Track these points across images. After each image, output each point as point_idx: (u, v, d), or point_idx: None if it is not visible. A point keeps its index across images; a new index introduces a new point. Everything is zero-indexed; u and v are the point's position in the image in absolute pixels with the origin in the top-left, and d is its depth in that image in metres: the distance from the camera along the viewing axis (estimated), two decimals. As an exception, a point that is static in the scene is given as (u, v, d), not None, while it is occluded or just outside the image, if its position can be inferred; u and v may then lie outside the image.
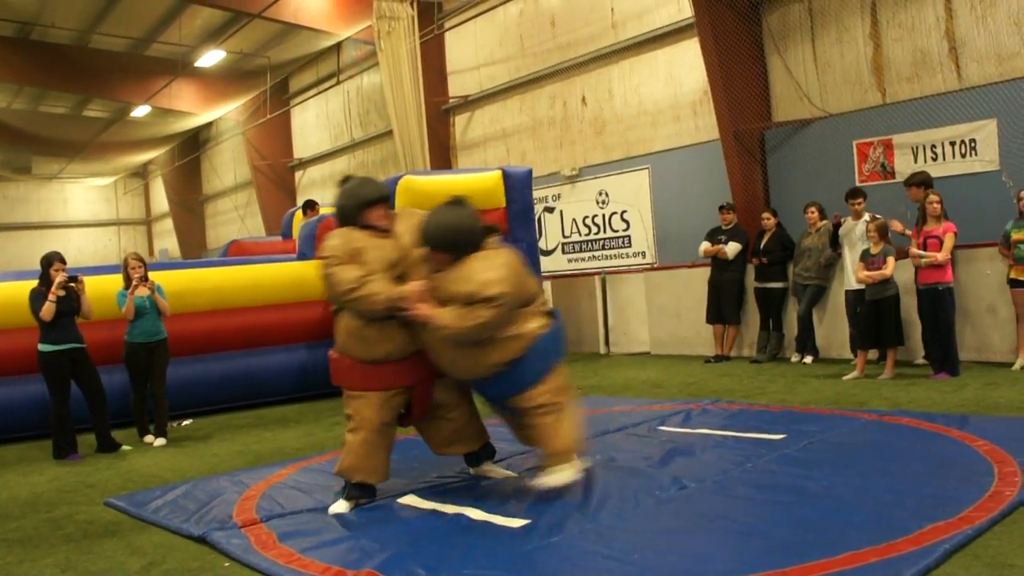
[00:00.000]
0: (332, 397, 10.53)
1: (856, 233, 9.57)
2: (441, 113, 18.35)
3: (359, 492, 5.47)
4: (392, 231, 5.41)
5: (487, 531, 4.70)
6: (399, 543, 4.57)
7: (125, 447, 8.24)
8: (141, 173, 38.67)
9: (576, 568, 4.01)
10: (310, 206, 12.35)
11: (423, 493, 5.60)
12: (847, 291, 9.75)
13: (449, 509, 5.17)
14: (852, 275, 9.47)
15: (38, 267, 8.21)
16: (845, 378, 8.88)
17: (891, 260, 8.76)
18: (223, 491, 6.10)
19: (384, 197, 5.48)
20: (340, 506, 5.40)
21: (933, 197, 8.75)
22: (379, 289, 5.13)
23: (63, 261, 8.17)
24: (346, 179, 5.65)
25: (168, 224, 35.58)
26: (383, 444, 5.51)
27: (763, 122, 12.24)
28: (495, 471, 5.93)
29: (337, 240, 5.34)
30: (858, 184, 10.63)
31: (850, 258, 9.59)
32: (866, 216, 9.43)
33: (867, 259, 8.91)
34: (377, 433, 5.45)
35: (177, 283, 9.13)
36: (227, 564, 4.62)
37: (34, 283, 8.13)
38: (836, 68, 11.49)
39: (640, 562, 4.02)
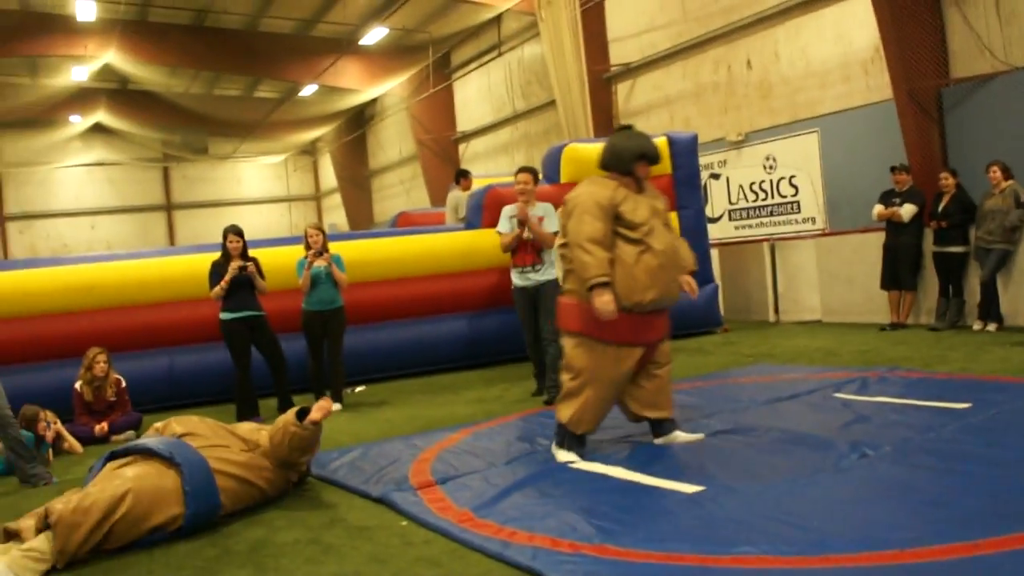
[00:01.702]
0: (501, 364, 10.76)
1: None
2: (603, 81, 18.25)
3: (578, 443, 5.66)
4: (646, 189, 5.73)
5: (660, 496, 4.69)
6: (571, 507, 4.61)
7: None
8: (310, 150, 39.99)
9: (754, 532, 3.95)
10: (463, 175, 12.54)
11: (589, 458, 5.63)
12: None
13: (618, 474, 5.20)
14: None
15: (217, 240, 8.68)
16: None
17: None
18: (398, 454, 6.28)
19: (657, 157, 5.77)
20: (565, 455, 5.60)
21: None
22: (596, 265, 5.35)
23: (236, 233, 8.54)
24: (626, 127, 5.98)
25: (336, 199, 36.71)
26: (611, 399, 5.70)
27: (940, 79, 11.69)
28: (682, 437, 5.83)
29: (603, 190, 5.56)
30: (1048, 143, 10.05)
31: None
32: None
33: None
34: (611, 388, 5.64)
35: (349, 253, 9.40)
36: (404, 523, 4.78)
37: (215, 255, 8.58)
38: (1022, 17, 10.86)
39: (819, 528, 3.95)
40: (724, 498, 4.52)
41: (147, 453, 4.85)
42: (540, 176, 8.54)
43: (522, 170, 8.37)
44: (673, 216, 11.67)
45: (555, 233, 7.66)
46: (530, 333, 8.29)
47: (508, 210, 8.37)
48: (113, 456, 4.99)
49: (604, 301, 5.32)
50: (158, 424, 5.37)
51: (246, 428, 5.59)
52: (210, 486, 4.88)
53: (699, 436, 5.85)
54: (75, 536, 4.30)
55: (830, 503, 4.34)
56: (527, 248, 8.12)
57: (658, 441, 5.85)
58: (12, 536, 4.43)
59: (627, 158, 5.64)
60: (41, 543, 4.29)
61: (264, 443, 5.34)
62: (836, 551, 3.64)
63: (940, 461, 4.83)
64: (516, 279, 8.25)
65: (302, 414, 5.36)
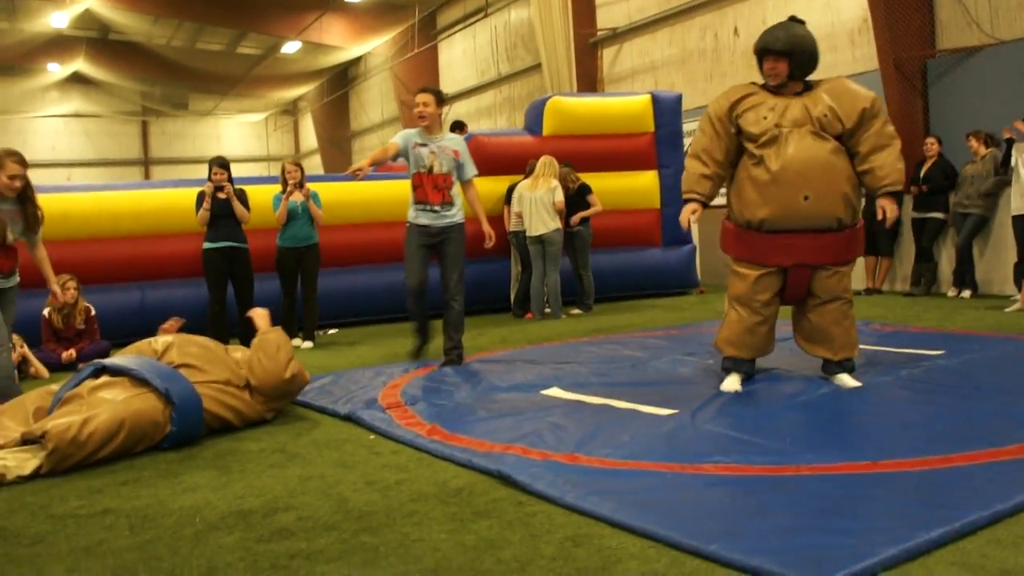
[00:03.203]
0: (477, 313, 10.67)
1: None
2: (589, 46, 18.12)
3: (733, 365, 5.35)
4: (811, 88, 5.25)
5: (634, 416, 4.66)
6: (545, 424, 4.56)
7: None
8: (291, 110, 39.64)
9: (726, 446, 3.94)
10: (459, 126, 12.40)
11: (568, 386, 5.58)
12: (1015, 216, 9.24)
13: (594, 400, 5.15)
14: (1017, 201, 8.99)
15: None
16: (1007, 310, 8.48)
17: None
18: (368, 380, 6.22)
19: (778, 47, 5.15)
20: (727, 383, 5.26)
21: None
22: (685, 179, 5.42)
23: (221, 165, 8.45)
24: (801, 22, 5.28)
25: (317, 160, 36.39)
26: (755, 321, 5.27)
27: (926, 50, 11.65)
28: (846, 380, 5.19)
29: (723, 101, 5.30)
30: (1031, 115, 10.05)
31: (1019, 185, 9.08)
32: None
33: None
34: (749, 309, 5.28)
35: (327, 195, 9.29)
36: (372, 437, 4.73)
37: (198, 188, 8.48)
38: (1010, -10, 10.86)
39: (793, 443, 3.93)
40: (698, 419, 4.50)
41: (143, 381, 4.68)
42: (444, 99, 7.20)
43: (423, 91, 6.97)
44: (653, 175, 11.67)
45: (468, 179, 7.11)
46: (422, 281, 6.99)
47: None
48: (103, 369, 4.82)
49: (682, 215, 5.35)
50: (156, 345, 5.09)
51: (241, 358, 5.35)
52: (198, 421, 4.78)
53: (859, 384, 5.15)
54: (66, 463, 4.23)
55: (804, 424, 4.35)
56: (435, 183, 6.86)
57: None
58: None
59: (758, 56, 5.22)
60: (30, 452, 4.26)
61: (245, 371, 5.18)
62: (807, 462, 3.62)
63: (913, 394, 4.85)
64: (420, 217, 6.87)
65: None
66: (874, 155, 5.01)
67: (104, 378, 4.72)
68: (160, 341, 5.09)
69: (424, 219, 6.86)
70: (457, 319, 7.03)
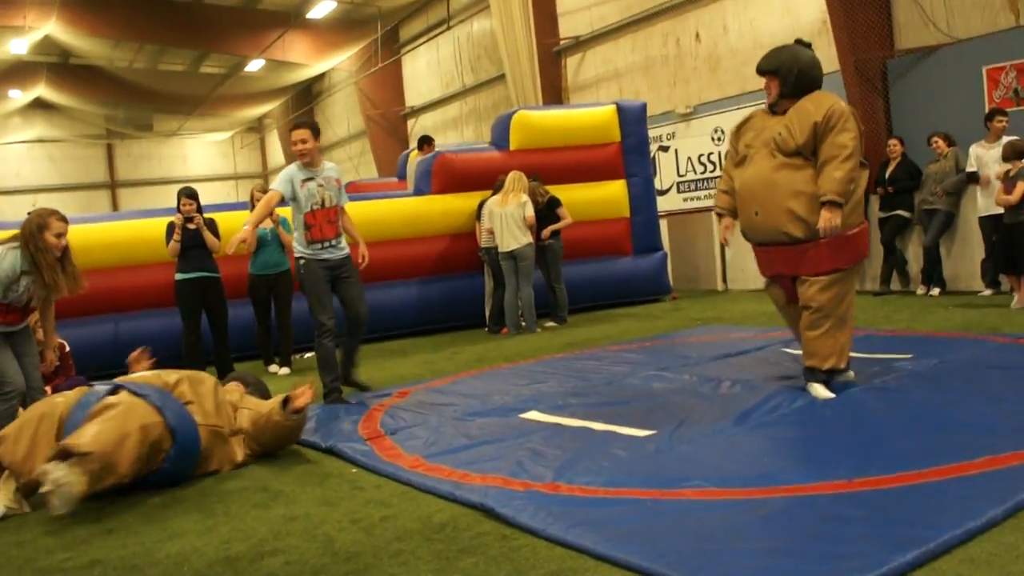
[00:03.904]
0: (451, 331, 10.72)
1: (992, 156, 9.21)
2: (553, 55, 18.22)
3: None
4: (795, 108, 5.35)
5: (612, 439, 4.71)
6: (524, 451, 4.60)
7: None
8: (257, 128, 39.50)
9: (704, 468, 3.99)
10: (426, 142, 12.44)
11: (546, 409, 5.64)
12: (981, 217, 9.40)
13: (572, 423, 5.20)
14: (983, 201, 9.15)
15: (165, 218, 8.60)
16: (1013, 306, 8.45)
17: (1021, 185, 8.42)
18: (347, 411, 6.26)
19: (765, 69, 5.50)
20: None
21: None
22: (717, 196, 5.88)
23: (189, 196, 8.45)
24: (808, 44, 5.54)
25: (284, 176, 36.29)
26: (789, 326, 5.81)
27: (885, 51, 11.81)
28: (815, 390, 5.26)
29: (741, 121, 5.62)
30: (989, 112, 10.22)
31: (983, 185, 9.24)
32: (1004, 139, 9.08)
33: (1005, 182, 8.60)
34: (782, 315, 5.83)
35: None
36: (354, 471, 4.76)
37: (168, 219, 8.47)
38: (965, -10, 11.03)
39: (768, 463, 4.01)
40: (675, 440, 4.56)
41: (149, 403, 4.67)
42: (319, 131, 6.76)
43: (299, 126, 6.68)
44: (622, 184, 11.75)
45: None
46: (331, 314, 6.76)
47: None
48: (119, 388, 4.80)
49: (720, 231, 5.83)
50: (168, 377, 5.03)
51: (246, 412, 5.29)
52: (191, 466, 4.80)
53: (830, 395, 5.20)
54: (106, 476, 4.25)
55: (778, 442, 4.41)
56: (328, 217, 6.66)
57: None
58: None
59: None
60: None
61: (245, 425, 5.18)
62: (785, 483, 3.69)
63: (884, 404, 4.92)
64: (320, 253, 6.63)
65: (286, 403, 5.14)
66: (822, 168, 5.10)
67: (123, 394, 4.70)
68: (173, 376, 5.06)
69: (324, 254, 6.66)
70: (358, 348, 7.15)
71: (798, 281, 5.31)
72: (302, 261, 6.65)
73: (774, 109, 5.42)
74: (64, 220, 5.63)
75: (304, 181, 6.57)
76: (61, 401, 4.72)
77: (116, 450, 4.25)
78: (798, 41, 5.52)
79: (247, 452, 5.15)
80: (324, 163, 6.82)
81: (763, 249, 5.46)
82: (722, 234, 5.82)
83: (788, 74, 5.28)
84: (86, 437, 4.23)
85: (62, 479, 4.03)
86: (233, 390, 5.44)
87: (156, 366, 5.67)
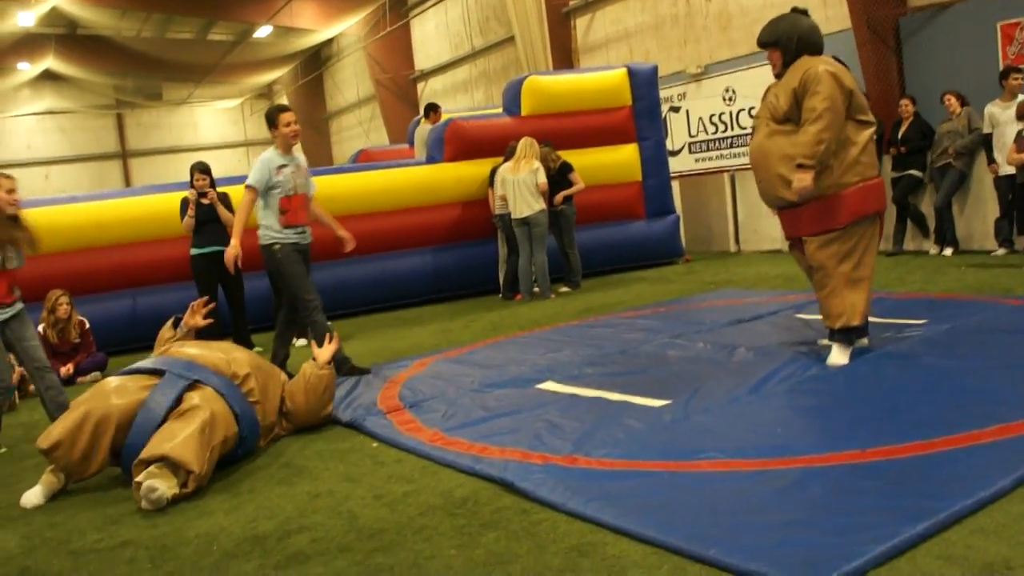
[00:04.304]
0: (465, 298, 10.80)
1: (1008, 115, 9.17)
2: (562, 16, 18.14)
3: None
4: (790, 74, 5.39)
5: (628, 410, 4.78)
6: (542, 423, 4.68)
7: (257, 349, 8.62)
8: (266, 94, 39.43)
9: (719, 439, 4.06)
10: (432, 109, 12.44)
11: (561, 379, 5.71)
12: (996, 177, 9.39)
13: (588, 393, 5.28)
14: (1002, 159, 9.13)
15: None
16: None
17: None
18: (365, 382, 6.36)
19: (764, 40, 5.53)
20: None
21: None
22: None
23: (202, 171, 8.52)
24: (804, 11, 5.53)
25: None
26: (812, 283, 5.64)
27: (898, 8, 11.74)
28: (830, 351, 5.36)
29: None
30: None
31: (1001, 143, 9.20)
32: (1020, 96, 9.04)
33: (1018, 140, 8.57)
34: (805, 273, 5.72)
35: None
36: (375, 445, 4.85)
37: (182, 194, 8.54)
38: (978, -55, 10.92)
39: (782, 433, 4.07)
40: (690, 410, 4.62)
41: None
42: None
43: (288, 109, 6.82)
44: (633, 148, 11.75)
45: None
46: (315, 290, 6.90)
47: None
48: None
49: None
50: (238, 368, 4.93)
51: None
52: (244, 457, 4.89)
53: (843, 361, 5.27)
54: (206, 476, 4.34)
55: (792, 412, 4.47)
56: (301, 203, 6.78)
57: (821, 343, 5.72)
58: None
59: None
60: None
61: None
62: (798, 453, 3.75)
63: (898, 372, 4.97)
64: (291, 237, 6.69)
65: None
66: (798, 132, 5.22)
67: (205, 390, 4.65)
68: (243, 368, 4.97)
69: (295, 238, 6.72)
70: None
71: (805, 243, 5.42)
72: (276, 246, 6.65)
73: (779, 79, 5.46)
74: (11, 178, 5.71)
75: (280, 167, 6.64)
76: (118, 405, 4.50)
77: (208, 467, 4.32)
78: (794, 9, 5.53)
79: (280, 430, 5.25)
80: (295, 151, 6.91)
81: (779, 213, 5.59)
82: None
83: (788, 43, 5.35)
84: (187, 452, 4.20)
85: (157, 484, 4.09)
86: (281, 374, 5.55)
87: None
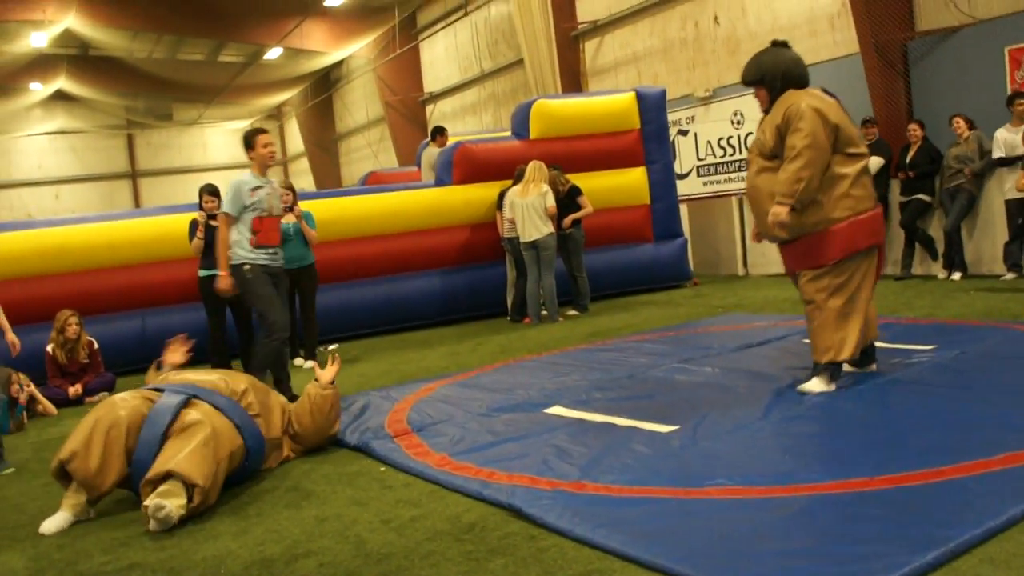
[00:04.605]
0: (473, 321, 10.81)
1: (1017, 139, 9.18)
2: (571, 40, 18.21)
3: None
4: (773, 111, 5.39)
5: (636, 435, 4.77)
6: (549, 448, 4.68)
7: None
8: (275, 115, 39.66)
9: (727, 466, 4.04)
10: (439, 132, 12.50)
11: (569, 404, 5.70)
12: (1007, 200, 9.40)
13: (596, 418, 5.27)
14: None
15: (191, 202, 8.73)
16: None
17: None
18: (374, 405, 6.35)
19: (746, 78, 5.55)
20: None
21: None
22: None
23: (211, 193, 8.56)
24: (784, 43, 5.54)
25: (304, 163, 36.46)
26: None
27: (906, 32, 11.76)
28: (807, 385, 5.32)
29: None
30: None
31: (1010, 167, 9.22)
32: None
33: (1024, 167, 8.59)
34: None
35: (320, 212, 9.40)
36: (383, 469, 4.85)
37: (191, 215, 8.58)
38: (985, -30, 10.96)
39: (789, 461, 4.06)
40: (698, 436, 4.61)
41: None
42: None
43: (265, 132, 7.06)
44: (642, 171, 11.79)
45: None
46: (283, 314, 6.88)
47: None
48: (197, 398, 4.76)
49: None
50: (235, 386, 4.99)
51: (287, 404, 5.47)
52: (253, 475, 4.92)
53: (821, 389, 5.24)
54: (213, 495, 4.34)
55: (799, 438, 4.45)
56: (274, 225, 6.87)
57: None
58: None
59: None
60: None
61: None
62: (806, 481, 3.74)
63: (906, 398, 4.95)
64: (261, 259, 6.69)
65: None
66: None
67: (203, 406, 4.65)
68: (240, 384, 5.03)
69: (265, 260, 6.72)
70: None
71: (799, 277, 5.47)
72: (247, 266, 6.65)
73: (767, 114, 5.46)
74: None
75: (254, 189, 6.68)
76: (125, 413, 4.53)
77: (214, 483, 4.32)
78: (775, 43, 5.54)
79: (290, 453, 5.26)
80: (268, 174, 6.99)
81: (782, 246, 5.58)
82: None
83: (774, 80, 5.35)
84: (192, 467, 4.20)
85: (164, 502, 4.08)
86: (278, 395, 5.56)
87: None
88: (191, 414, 4.56)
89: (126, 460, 4.45)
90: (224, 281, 6.70)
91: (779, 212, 5.13)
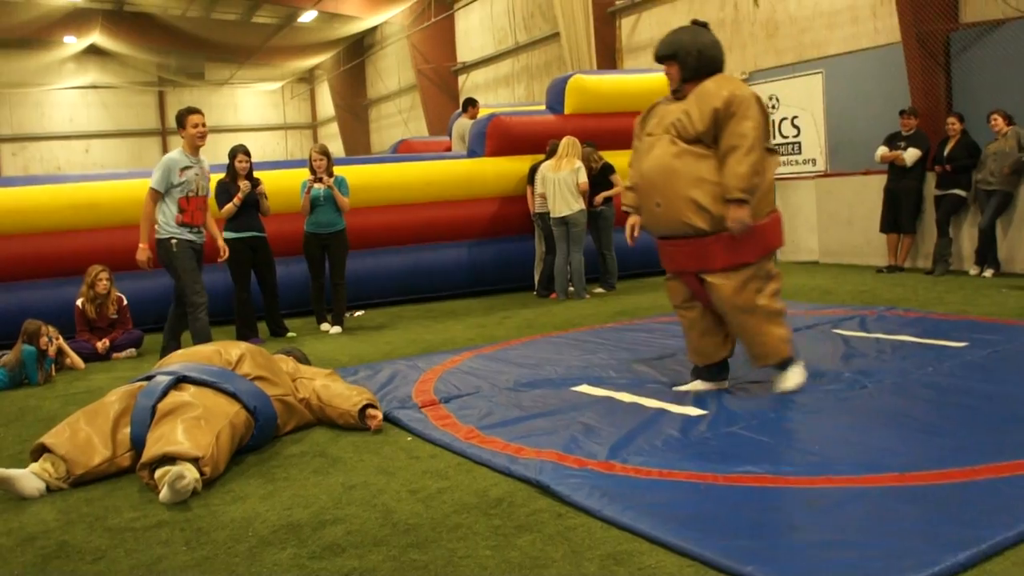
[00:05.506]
0: (500, 293, 10.82)
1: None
2: (608, 15, 18.08)
3: (696, 374, 5.44)
4: (695, 93, 5.05)
5: (662, 417, 4.77)
6: (578, 426, 4.69)
7: (291, 334, 8.70)
8: (307, 79, 39.63)
9: (755, 453, 4.05)
10: (471, 103, 12.46)
11: (597, 383, 5.70)
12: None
13: (623, 398, 5.27)
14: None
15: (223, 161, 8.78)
16: None
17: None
18: (401, 375, 6.36)
19: (661, 54, 5.23)
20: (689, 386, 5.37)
21: None
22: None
23: (245, 153, 8.57)
24: (704, 24, 5.23)
25: (333, 128, 36.49)
26: (684, 326, 5.38)
27: (949, 23, 11.60)
28: (783, 382, 5.19)
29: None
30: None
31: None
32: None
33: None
34: (677, 314, 5.44)
35: (352, 178, 9.38)
36: (409, 439, 4.86)
37: (219, 175, 8.58)
38: (1035, -37, 10.79)
39: (820, 451, 4.04)
40: (727, 422, 4.61)
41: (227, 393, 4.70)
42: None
43: (198, 111, 7.45)
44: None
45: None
46: (204, 289, 7.43)
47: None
48: (186, 379, 4.71)
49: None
50: (229, 356, 5.03)
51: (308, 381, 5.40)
52: (271, 436, 4.95)
53: (800, 379, 5.18)
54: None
55: (830, 429, 4.43)
56: (199, 205, 7.37)
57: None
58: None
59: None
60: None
61: (305, 395, 5.25)
62: (836, 473, 3.73)
63: (937, 394, 4.92)
64: (187, 235, 7.25)
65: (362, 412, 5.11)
66: (725, 160, 4.83)
67: (192, 388, 4.64)
68: (233, 353, 5.07)
69: (191, 236, 7.26)
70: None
71: (708, 280, 5.04)
72: (173, 240, 7.16)
73: (676, 95, 5.13)
74: None
75: (184, 169, 7.18)
76: (115, 399, 4.64)
77: (217, 451, 4.29)
78: (695, 22, 5.24)
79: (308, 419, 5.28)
80: (200, 155, 7.45)
81: (667, 243, 5.15)
82: (627, 232, 5.48)
83: (687, 57, 5.02)
84: (185, 443, 4.18)
85: (186, 472, 4.05)
86: (286, 360, 5.55)
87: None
88: (180, 396, 4.56)
89: (115, 448, 4.48)
90: (143, 253, 7.13)
91: (742, 213, 4.78)
